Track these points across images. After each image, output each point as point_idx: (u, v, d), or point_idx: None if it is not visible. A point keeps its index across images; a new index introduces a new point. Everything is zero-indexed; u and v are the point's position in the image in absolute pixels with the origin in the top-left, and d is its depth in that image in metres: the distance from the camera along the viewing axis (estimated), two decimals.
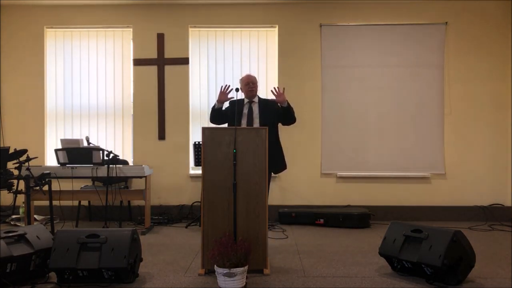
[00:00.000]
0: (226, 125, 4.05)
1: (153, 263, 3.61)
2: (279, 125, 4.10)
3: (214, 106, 4.02)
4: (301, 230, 4.99)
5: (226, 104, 4.05)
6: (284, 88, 3.99)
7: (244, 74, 4.24)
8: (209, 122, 4.15)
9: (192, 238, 4.54)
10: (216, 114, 4.02)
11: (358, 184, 5.64)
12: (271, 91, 3.99)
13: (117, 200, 4.84)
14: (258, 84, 4.15)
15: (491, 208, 5.53)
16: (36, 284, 3.03)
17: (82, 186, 5.31)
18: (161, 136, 5.73)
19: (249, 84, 4.03)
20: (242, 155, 3.29)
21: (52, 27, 5.81)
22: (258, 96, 4.12)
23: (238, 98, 3.91)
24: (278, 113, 4.04)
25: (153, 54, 5.74)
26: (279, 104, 3.97)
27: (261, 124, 3.92)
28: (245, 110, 4.02)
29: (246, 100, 4.06)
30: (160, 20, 5.74)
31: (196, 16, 5.73)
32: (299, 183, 5.66)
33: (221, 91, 3.96)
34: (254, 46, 5.78)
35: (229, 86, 3.96)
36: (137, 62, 5.76)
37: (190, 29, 5.76)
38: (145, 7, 5.73)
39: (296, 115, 5.62)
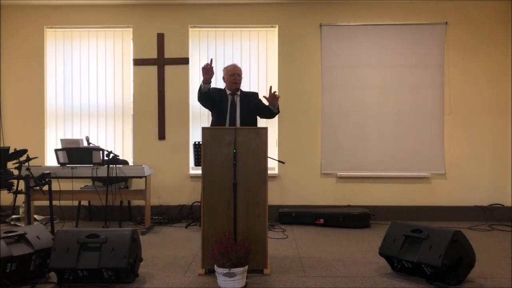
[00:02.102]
0: (212, 122, 4.00)
1: (153, 263, 3.61)
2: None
3: (200, 88, 3.78)
4: (301, 230, 4.99)
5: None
6: (279, 97, 3.85)
7: (229, 64, 4.07)
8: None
9: (192, 238, 4.54)
10: (205, 97, 3.82)
11: (358, 184, 5.64)
12: (270, 87, 3.81)
13: (117, 200, 4.84)
14: (242, 76, 4.01)
15: (491, 208, 5.52)
16: (36, 284, 3.03)
17: (82, 186, 5.31)
18: (161, 136, 5.73)
19: (234, 75, 3.88)
20: (242, 155, 3.29)
21: (52, 27, 5.81)
22: (240, 89, 4.00)
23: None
24: (259, 107, 3.97)
25: (153, 54, 5.74)
26: (269, 106, 3.85)
27: (242, 119, 3.85)
28: (228, 103, 3.88)
29: (228, 92, 3.92)
30: (160, 20, 5.74)
31: (196, 16, 5.73)
32: (299, 183, 5.66)
33: (205, 70, 3.67)
34: (254, 46, 5.78)
35: (211, 61, 3.70)
36: (137, 62, 5.76)
37: (190, 29, 5.76)
38: (145, 7, 5.73)
39: (296, 115, 5.69)
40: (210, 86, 3.79)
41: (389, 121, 5.63)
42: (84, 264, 3.00)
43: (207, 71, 3.68)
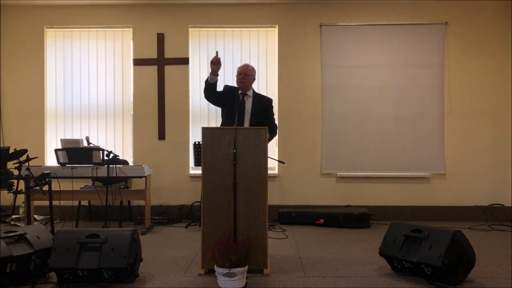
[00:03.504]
0: (221, 122, 3.97)
1: (153, 263, 3.61)
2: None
3: (207, 80, 3.78)
4: (301, 230, 4.99)
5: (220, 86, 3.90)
6: None
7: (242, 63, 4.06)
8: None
9: (192, 238, 4.54)
10: (212, 91, 3.80)
11: (358, 184, 5.64)
12: None
13: (117, 200, 4.84)
14: (254, 76, 3.94)
15: (491, 208, 5.52)
16: (36, 284, 3.03)
17: (82, 186, 5.31)
18: (161, 136, 5.73)
19: (240, 74, 3.85)
20: (242, 155, 3.29)
21: (52, 27, 5.81)
22: (253, 90, 3.96)
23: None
24: (267, 113, 3.94)
25: (153, 54, 5.74)
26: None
27: (251, 121, 3.82)
28: (235, 102, 3.81)
29: (239, 91, 3.88)
30: (160, 20, 5.74)
31: (196, 16, 5.73)
32: (299, 183, 5.65)
33: (214, 62, 3.69)
34: (254, 46, 5.78)
35: (217, 53, 3.71)
36: (137, 62, 5.76)
37: (190, 29, 5.76)
38: (145, 7, 5.73)
39: (296, 115, 5.69)
40: (217, 78, 3.78)
41: (389, 121, 5.63)
42: (84, 264, 3.00)
43: (216, 63, 3.70)
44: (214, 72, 3.75)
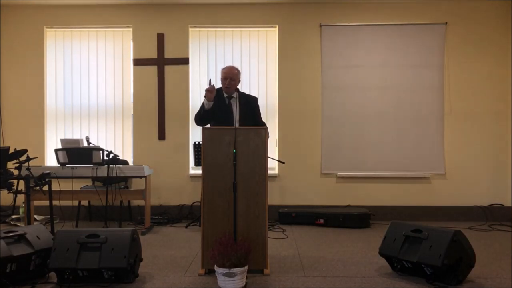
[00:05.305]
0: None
1: (153, 263, 3.61)
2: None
3: (203, 107, 3.76)
4: (301, 230, 4.99)
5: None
6: None
7: (226, 65, 3.99)
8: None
9: (192, 238, 4.54)
10: (207, 116, 3.77)
11: (358, 184, 5.64)
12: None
13: (117, 200, 4.84)
14: (239, 78, 3.88)
15: (491, 208, 5.52)
16: (36, 284, 3.03)
17: (82, 186, 5.31)
18: (161, 136, 5.73)
19: (226, 79, 3.80)
20: (242, 155, 3.29)
21: (52, 27, 5.81)
22: (238, 90, 3.85)
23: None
24: (254, 112, 3.92)
25: (153, 54, 5.74)
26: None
27: (240, 123, 3.77)
28: (223, 107, 3.79)
29: (225, 94, 3.85)
30: (160, 20, 5.74)
31: (196, 16, 5.73)
32: (299, 183, 5.65)
33: (209, 91, 3.67)
34: (254, 46, 5.78)
35: (210, 81, 3.71)
36: (137, 62, 5.76)
37: (190, 29, 5.76)
38: (145, 7, 5.73)
39: (296, 115, 5.69)
40: (212, 103, 3.74)
41: (389, 121, 5.63)
42: (84, 264, 3.00)
43: (211, 91, 3.66)
44: (210, 99, 3.71)
